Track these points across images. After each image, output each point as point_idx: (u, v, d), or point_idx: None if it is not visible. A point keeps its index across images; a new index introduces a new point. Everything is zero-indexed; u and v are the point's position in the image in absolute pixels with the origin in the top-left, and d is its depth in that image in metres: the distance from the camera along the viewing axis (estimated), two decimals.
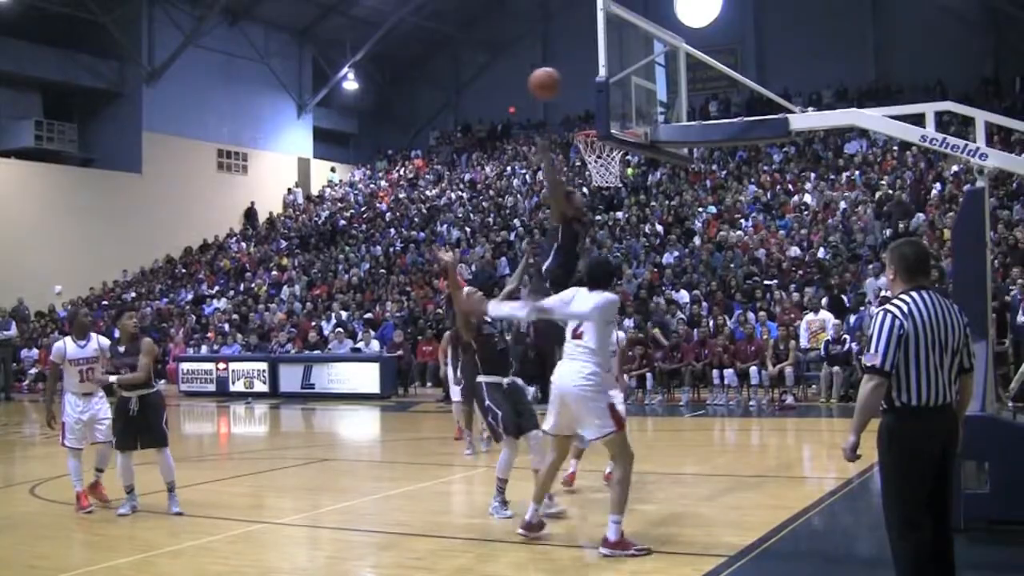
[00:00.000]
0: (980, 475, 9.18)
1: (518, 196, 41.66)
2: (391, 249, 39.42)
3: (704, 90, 42.59)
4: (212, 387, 30.57)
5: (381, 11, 49.71)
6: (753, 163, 38.38)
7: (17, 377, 34.48)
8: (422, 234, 40.33)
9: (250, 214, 50.22)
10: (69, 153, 45.25)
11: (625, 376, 13.35)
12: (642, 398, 24.10)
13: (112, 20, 43.62)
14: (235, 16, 48.88)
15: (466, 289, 11.29)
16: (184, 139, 47.04)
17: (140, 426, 11.56)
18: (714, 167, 38.91)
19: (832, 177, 34.99)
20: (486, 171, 47.09)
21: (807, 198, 33.51)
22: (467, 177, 46.98)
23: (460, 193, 44.78)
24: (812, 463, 15.86)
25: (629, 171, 38.28)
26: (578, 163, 39.34)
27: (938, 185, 31.28)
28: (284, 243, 44.75)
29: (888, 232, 28.46)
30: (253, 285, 39.54)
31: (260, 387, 29.68)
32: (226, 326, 34.39)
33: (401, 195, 47.39)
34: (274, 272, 40.45)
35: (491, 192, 43.71)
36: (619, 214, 36.25)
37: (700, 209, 34.96)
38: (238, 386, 30.04)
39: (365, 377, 28.30)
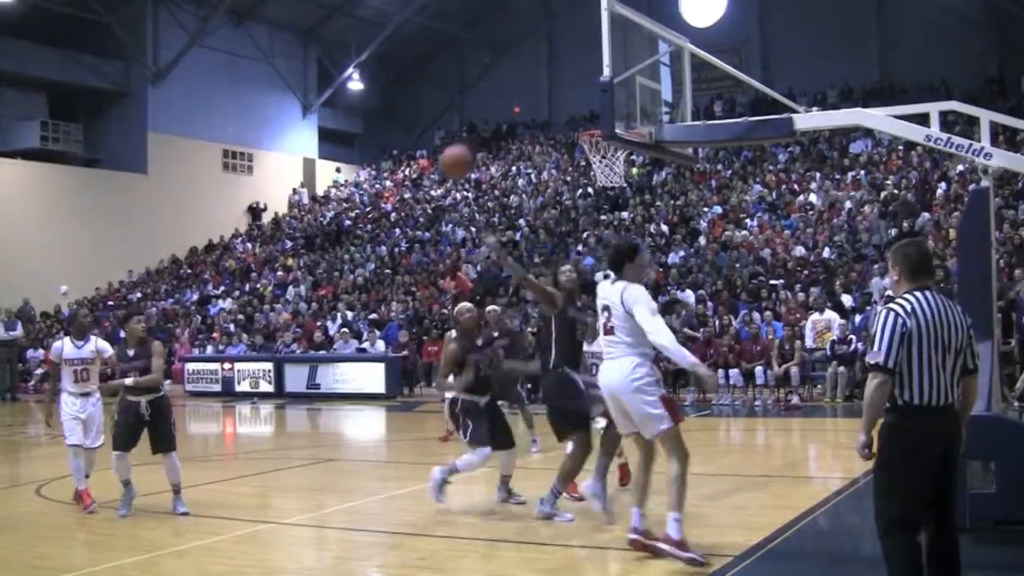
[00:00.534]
0: (986, 475, 9.16)
1: (523, 196, 41.65)
2: (396, 249, 39.44)
3: (709, 90, 42.59)
4: (218, 387, 30.58)
5: (385, 11, 49.75)
6: (758, 163, 38.37)
7: (23, 378, 34.49)
8: (427, 234, 40.36)
9: (255, 213, 50.25)
10: (74, 153, 45.30)
11: None
12: None
13: (117, 20, 43.67)
14: (240, 17, 48.90)
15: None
16: (189, 139, 47.09)
17: (150, 430, 11.56)
18: (719, 167, 38.90)
19: (837, 177, 34.97)
20: (491, 171, 47.08)
21: (812, 198, 33.49)
22: (472, 177, 46.97)
23: (465, 193, 44.77)
24: (818, 463, 15.85)
25: (634, 171, 38.27)
26: (583, 163, 39.36)
27: (943, 185, 31.26)
28: (289, 243, 44.77)
29: (893, 232, 28.44)
30: (258, 285, 39.57)
31: (266, 387, 29.70)
32: (231, 326, 34.41)
33: (406, 195, 47.41)
34: (279, 272, 40.46)
35: (496, 192, 43.71)
36: (624, 214, 36.24)
37: (705, 209, 34.94)
38: (244, 386, 30.05)
39: (370, 377, 28.31)
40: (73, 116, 45.93)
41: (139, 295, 41.81)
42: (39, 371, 34.38)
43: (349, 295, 35.00)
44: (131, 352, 11.66)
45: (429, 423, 21.23)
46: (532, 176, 44.21)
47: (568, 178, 42.18)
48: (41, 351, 35.06)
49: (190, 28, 45.75)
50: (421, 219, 42.76)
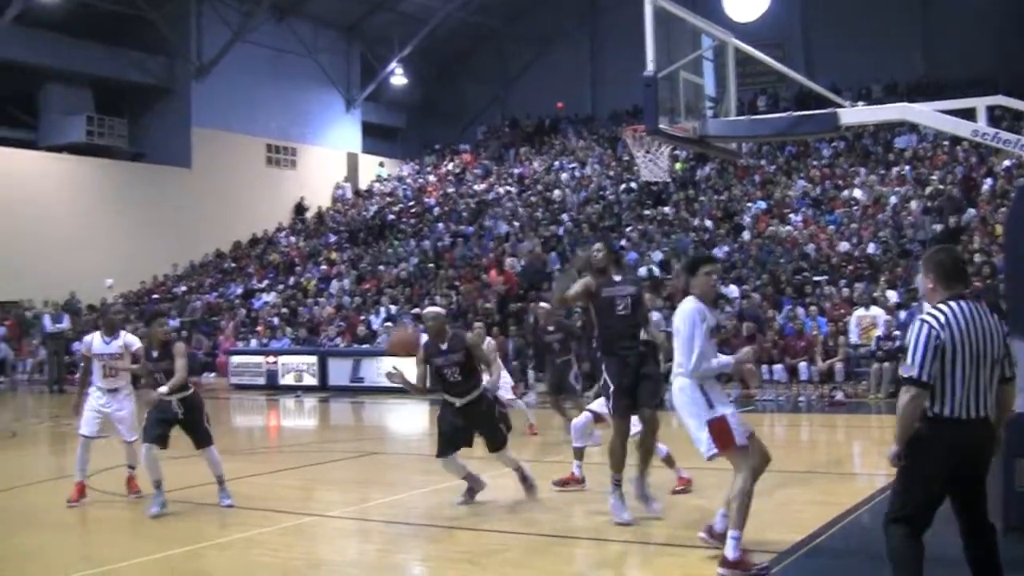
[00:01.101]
0: None
1: (566, 190, 41.62)
2: (439, 244, 39.48)
3: (752, 85, 42.35)
4: (262, 380, 30.72)
5: (428, 6, 49.77)
6: (802, 158, 38.18)
7: (69, 370, 34.76)
8: (470, 228, 40.37)
9: (299, 208, 50.46)
10: (119, 148, 45.62)
11: None
12: None
13: (161, 16, 43.92)
14: (283, 12, 49.07)
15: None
16: (233, 134, 47.31)
17: (185, 428, 11.62)
18: (763, 162, 38.72)
19: (882, 172, 34.75)
20: (534, 166, 47.08)
21: (857, 193, 33.29)
22: (515, 172, 46.97)
23: (508, 188, 44.79)
24: (862, 459, 15.78)
25: (677, 166, 38.15)
26: (626, 158, 39.29)
27: (989, 180, 30.98)
28: (333, 237, 44.90)
29: (939, 227, 28.27)
30: (302, 279, 39.71)
31: (309, 381, 29.80)
32: (275, 320, 34.58)
33: (449, 190, 47.44)
34: (323, 266, 40.59)
35: (539, 187, 43.69)
36: (667, 209, 36.18)
37: (749, 204, 34.81)
38: (287, 380, 30.17)
39: (414, 371, 28.28)
40: (118, 111, 46.25)
41: (184, 288, 42.08)
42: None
43: (392, 289, 35.06)
44: (155, 353, 11.72)
45: None
46: (575, 171, 44.17)
47: (611, 173, 42.11)
48: None
49: (233, 24, 45.94)
50: (464, 213, 42.77)
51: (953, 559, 6.41)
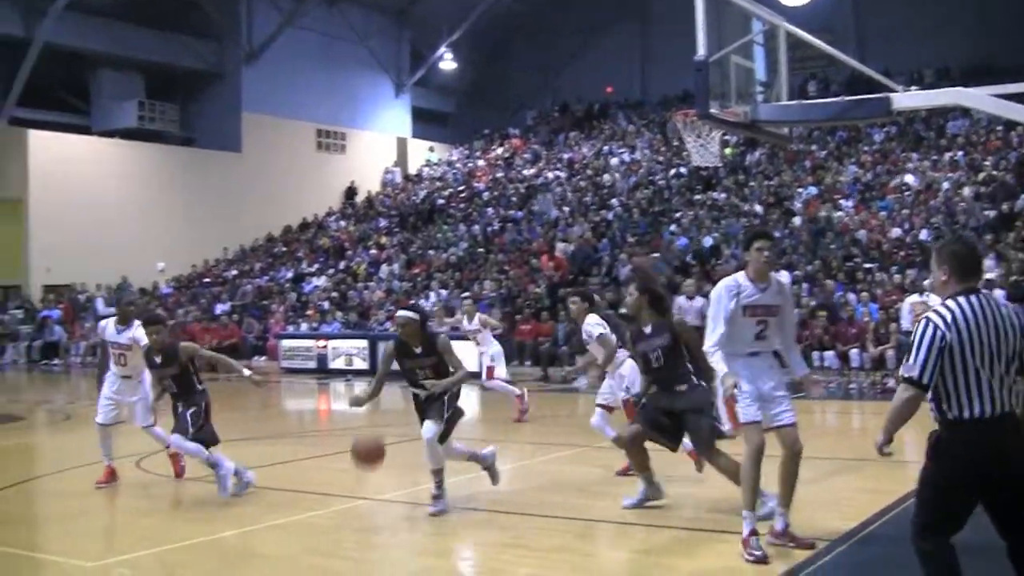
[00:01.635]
0: None
1: (616, 175, 41.53)
2: (489, 228, 39.51)
3: (803, 69, 42.02)
4: (312, 364, 30.86)
5: None
6: (853, 143, 37.94)
7: None
8: (520, 213, 40.38)
9: (349, 193, 50.67)
10: (171, 133, 46.03)
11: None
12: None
13: (211, 2, 44.30)
14: None
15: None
16: (283, 119, 47.55)
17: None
18: (813, 147, 38.50)
19: (934, 157, 34.49)
20: (583, 150, 47.01)
21: (908, 179, 33.04)
22: (565, 156, 46.92)
23: (558, 172, 44.74)
24: (914, 447, 15.63)
25: (727, 151, 37.98)
26: (676, 142, 39.16)
27: None
28: (383, 222, 45.03)
29: (991, 213, 28.02)
30: (352, 263, 39.88)
31: (360, 364, 29.87)
32: (326, 304, 34.73)
33: (499, 174, 47.46)
34: (373, 250, 40.74)
35: (589, 171, 43.63)
36: (717, 194, 36.05)
37: (800, 189, 34.62)
38: (338, 364, 30.28)
39: (463, 355, 28.29)
40: (169, 96, 46.62)
41: (234, 272, 42.37)
42: None
43: (442, 273, 35.14)
44: (158, 360, 11.71)
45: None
46: (625, 156, 44.07)
47: (661, 158, 42.01)
48: None
49: (284, 9, 46.16)
50: (513, 198, 42.79)
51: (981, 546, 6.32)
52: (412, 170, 54.00)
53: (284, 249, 44.95)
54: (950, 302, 6.08)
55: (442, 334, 10.18)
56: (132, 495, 12.09)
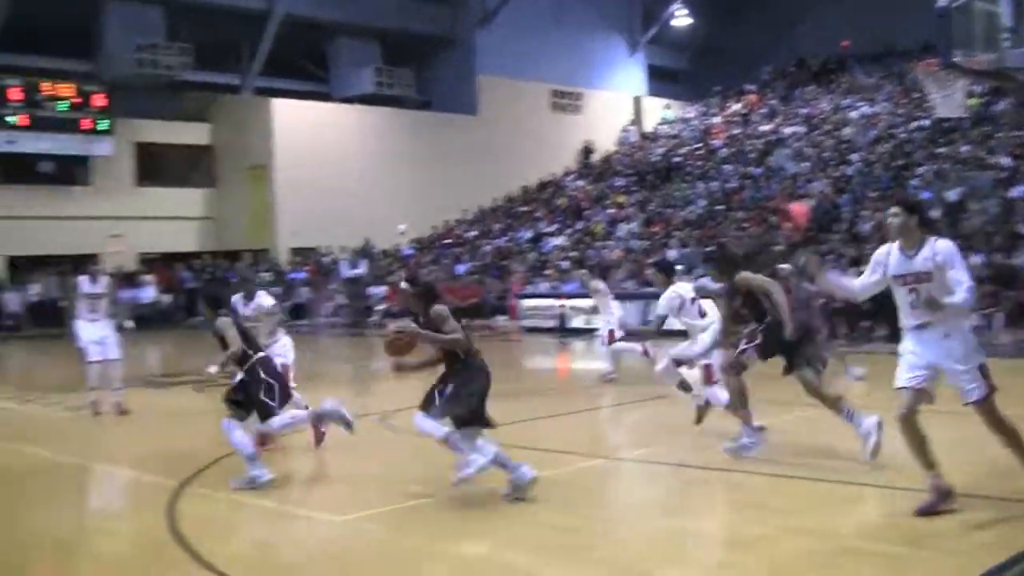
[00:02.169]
0: None
1: (856, 130, 40.53)
2: (726, 185, 39.09)
3: None
4: (552, 323, 31.07)
5: None
6: None
7: (366, 313, 36.01)
8: (758, 170, 39.82)
9: (586, 152, 50.82)
10: (408, 97, 47.01)
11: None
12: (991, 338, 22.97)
13: None
14: None
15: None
16: (517, 81, 47.99)
17: None
18: None
19: None
20: (822, 105, 46.04)
21: None
22: (802, 112, 46.04)
23: (795, 128, 43.94)
24: None
25: (971, 102, 36.62)
26: (917, 95, 37.97)
27: None
28: (620, 181, 45.02)
29: None
30: (590, 223, 39.99)
31: (599, 323, 29.90)
32: (565, 263, 34.93)
33: (735, 131, 46.89)
34: (611, 210, 40.78)
35: (827, 126, 42.71)
36: (962, 147, 34.83)
37: None
38: (577, 322, 30.38)
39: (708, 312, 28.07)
40: (405, 61, 47.59)
41: (474, 233, 42.98)
42: (381, 307, 35.83)
43: (681, 232, 34.93)
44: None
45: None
46: (865, 109, 42.97)
47: (901, 111, 40.81)
48: (382, 288, 36.56)
49: None
50: (751, 155, 42.22)
51: None
52: (648, 128, 53.80)
53: (523, 209, 45.35)
54: None
55: (440, 306, 10.05)
56: (380, 448, 12.42)
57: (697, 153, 45.36)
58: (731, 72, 54.70)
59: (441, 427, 9.35)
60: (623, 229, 37.68)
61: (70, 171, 42.50)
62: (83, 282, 15.98)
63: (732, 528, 8.68)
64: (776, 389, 11.54)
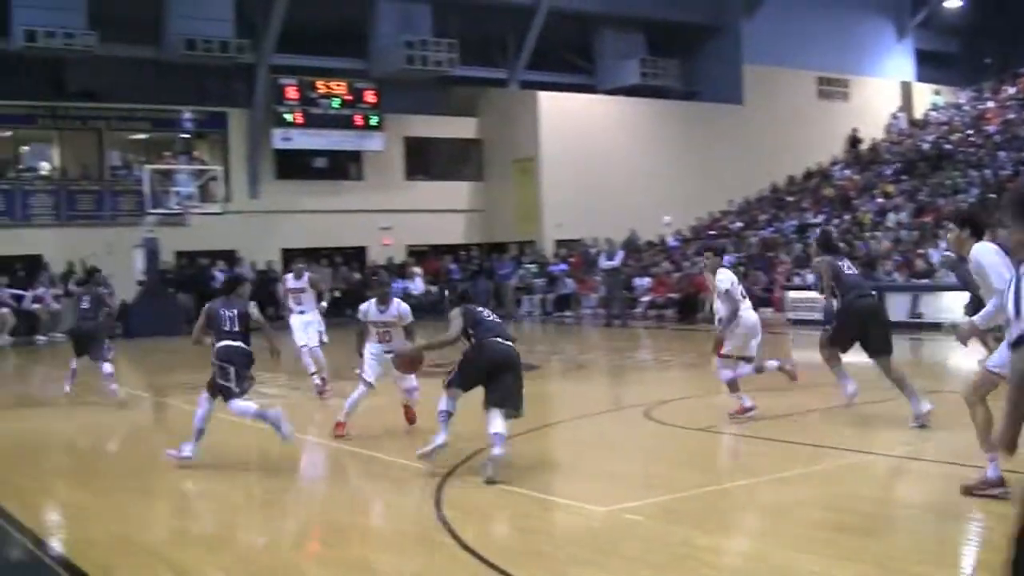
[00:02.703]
0: None
1: None
2: (1001, 172, 37.81)
3: None
4: (819, 316, 30.57)
5: None
6: None
7: (630, 304, 36.19)
8: None
9: (853, 140, 49.92)
10: (673, 88, 47.02)
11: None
12: None
13: None
14: None
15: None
16: (783, 69, 47.47)
17: None
18: None
19: None
20: None
21: None
22: None
23: None
24: None
25: None
26: None
27: None
28: (889, 169, 44.05)
29: None
30: (858, 212, 39.27)
31: None
32: None
33: (1010, 115, 45.26)
34: (879, 199, 39.97)
35: None
36: None
37: None
38: None
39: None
40: (669, 51, 47.60)
41: (740, 224, 42.73)
42: (645, 298, 36.02)
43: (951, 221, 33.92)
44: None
45: None
46: None
47: None
48: (647, 279, 36.73)
49: None
50: None
51: None
52: (918, 115, 52.46)
53: (790, 199, 44.83)
54: None
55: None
56: (638, 443, 12.65)
57: (969, 139, 43.99)
58: (1005, 55, 52.75)
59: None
60: (892, 219, 36.91)
61: (343, 166, 44.18)
62: (288, 279, 18.02)
63: None
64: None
